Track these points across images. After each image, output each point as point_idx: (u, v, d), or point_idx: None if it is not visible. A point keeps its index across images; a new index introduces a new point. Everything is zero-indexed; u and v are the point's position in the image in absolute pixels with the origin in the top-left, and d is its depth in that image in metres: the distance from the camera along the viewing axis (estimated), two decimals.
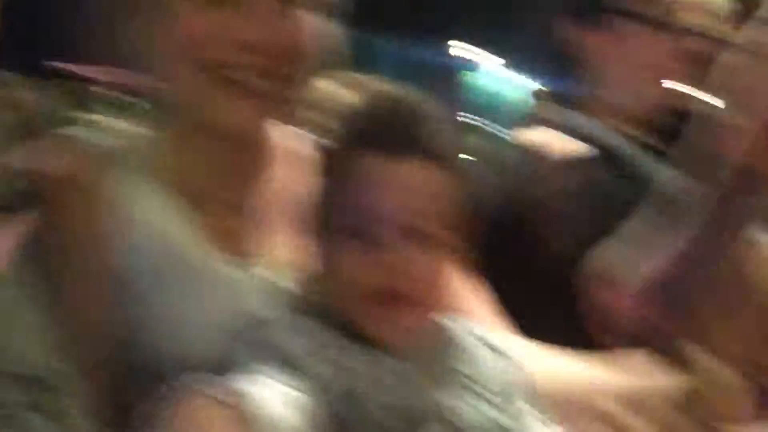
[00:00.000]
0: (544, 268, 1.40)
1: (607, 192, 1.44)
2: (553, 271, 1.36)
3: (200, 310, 0.97)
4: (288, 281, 1.00)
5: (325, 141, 0.99)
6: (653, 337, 1.13)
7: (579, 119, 1.51)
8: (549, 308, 1.30)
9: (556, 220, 1.42)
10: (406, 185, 0.92)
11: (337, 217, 0.93)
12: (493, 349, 0.97)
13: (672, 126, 1.49)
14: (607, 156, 1.48)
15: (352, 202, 0.92)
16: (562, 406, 0.99)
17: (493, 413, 0.91)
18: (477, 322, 1.01)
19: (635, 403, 0.96)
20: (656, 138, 1.52)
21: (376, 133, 0.94)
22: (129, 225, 0.98)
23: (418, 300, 0.91)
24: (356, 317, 0.90)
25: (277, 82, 1.01)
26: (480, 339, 0.97)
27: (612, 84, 1.52)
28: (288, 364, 0.85)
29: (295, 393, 0.83)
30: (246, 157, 1.07)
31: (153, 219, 1.00)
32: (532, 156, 1.47)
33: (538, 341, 1.08)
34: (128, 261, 0.97)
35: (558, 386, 1.02)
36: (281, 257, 1.03)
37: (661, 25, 1.47)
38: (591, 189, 1.45)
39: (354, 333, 0.90)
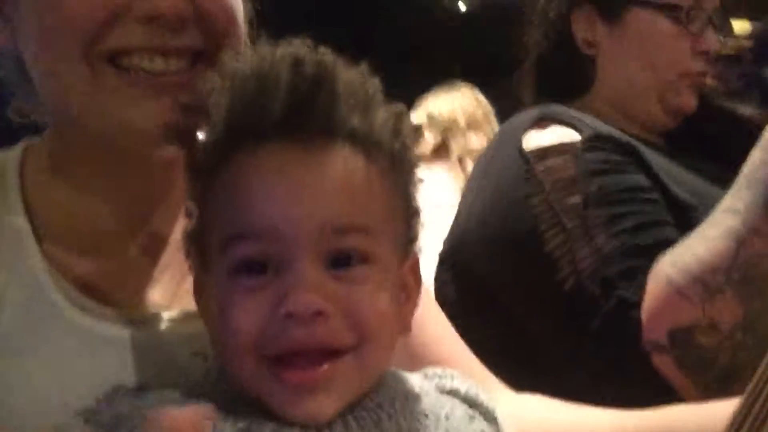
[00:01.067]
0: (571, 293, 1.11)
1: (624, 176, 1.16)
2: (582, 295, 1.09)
3: (42, 381, 0.72)
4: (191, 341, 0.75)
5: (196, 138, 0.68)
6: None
7: (583, 117, 1.33)
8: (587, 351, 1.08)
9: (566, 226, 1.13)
10: (319, 183, 0.62)
11: (219, 243, 0.64)
12: (471, 405, 0.74)
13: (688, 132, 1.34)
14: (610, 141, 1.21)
15: (238, 216, 0.63)
16: None
17: None
18: (446, 370, 0.78)
19: None
20: (666, 142, 1.37)
21: (266, 113, 0.63)
22: None
23: (353, 352, 0.63)
24: (259, 389, 0.63)
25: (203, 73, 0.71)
26: (452, 393, 0.75)
27: (621, 81, 1.33)
28: None
29: None
30: (149, 179, 0.79)
31: None
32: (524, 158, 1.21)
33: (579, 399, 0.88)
34: None
35: None
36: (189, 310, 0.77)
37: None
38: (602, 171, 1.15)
39: (260, 409, 0.63)
